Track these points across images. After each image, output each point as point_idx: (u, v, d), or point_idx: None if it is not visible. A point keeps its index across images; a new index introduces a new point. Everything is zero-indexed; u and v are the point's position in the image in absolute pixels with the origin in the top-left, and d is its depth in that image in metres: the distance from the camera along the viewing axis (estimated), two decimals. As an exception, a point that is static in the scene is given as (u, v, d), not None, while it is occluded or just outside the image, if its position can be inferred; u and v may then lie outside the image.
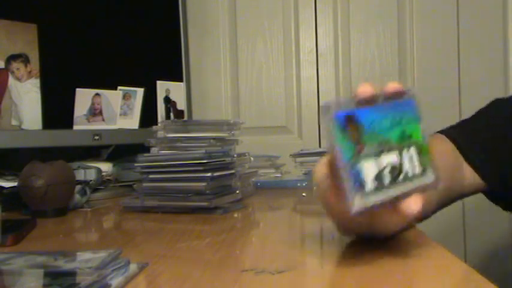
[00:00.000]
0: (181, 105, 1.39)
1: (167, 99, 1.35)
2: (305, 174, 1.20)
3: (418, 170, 0.44)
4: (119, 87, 1.23)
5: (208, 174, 0.78)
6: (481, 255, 1.48)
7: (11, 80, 1.01)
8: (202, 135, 0.86)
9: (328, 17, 1.64)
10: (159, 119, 1.30)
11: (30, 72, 1.04)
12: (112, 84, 1.21)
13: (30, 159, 0.83)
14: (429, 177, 0.45)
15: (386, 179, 0.42)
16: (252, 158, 0.94)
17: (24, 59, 1.03)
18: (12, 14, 1.01)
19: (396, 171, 0.43)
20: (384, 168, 0.42)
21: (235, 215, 0.78)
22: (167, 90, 1.35)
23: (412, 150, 0.44)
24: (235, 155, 0.86)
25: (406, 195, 0.43)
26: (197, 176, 0.78)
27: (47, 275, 0.39)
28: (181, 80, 1.42)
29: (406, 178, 0.43)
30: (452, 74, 1.48)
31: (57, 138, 1.07)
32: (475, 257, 1.47)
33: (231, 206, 0.81)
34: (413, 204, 0.43)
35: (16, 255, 0.45)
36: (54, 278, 0.38)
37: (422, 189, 0.44)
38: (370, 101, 0.43)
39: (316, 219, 0.81)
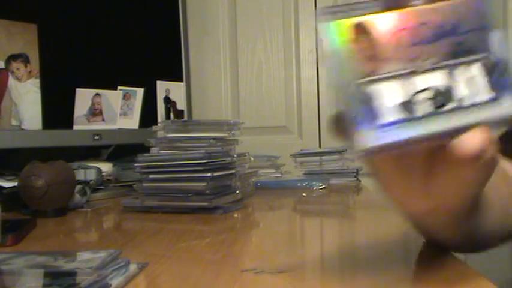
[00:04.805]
0: (181, 105, 1.39)
1: (167, 99, 1.35)
2: (305, 174, 1.20)
3: (484, 96, 0.32)
4: (119, 87, 1.23)
5: (208, 174, 0.78)
6: (481, 255, 1.48)
7: (11, 80, 1.01)
8: (202, 135, 0.86)
9: (328, 17, 1.64)
10: (159, 119, 1.30)
11: (30, 72, 1.04)
12: (112, 84, 1.21)
13: (30, 159, 0.83)
14: (505, 106, 0.32)
15: (423, 108, 0.31)
16: (252, 158, 0.94)
17: (24, 59, 1.03)
18: (12, 14, 1.01)
19: (442, 98, 0.32)
20: (417, 93, 0.31)
21: (235, 215, 0.78)
22: (167, 90, 1.35)
23: (475, 70, 0.32)
24: (235, 155, 0.86)
25: (460, 131, 0.31)
26: (197, 176, 0.78)
27: (46, 275, 0.39)
28: (181, 80, 1.42)
29: (461, 108, 0.31)
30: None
31: (57, 138, 1.06)
32: (475, 257, 1.47)
33: (231, 206, 0.81)
34: (469, 140, 0.30)
35: (16, 255, 0.45)
36: (54, 278, 0.38)
37: (491, 123, 0.32)
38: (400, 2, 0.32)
39: (316, 219, 0.81)
